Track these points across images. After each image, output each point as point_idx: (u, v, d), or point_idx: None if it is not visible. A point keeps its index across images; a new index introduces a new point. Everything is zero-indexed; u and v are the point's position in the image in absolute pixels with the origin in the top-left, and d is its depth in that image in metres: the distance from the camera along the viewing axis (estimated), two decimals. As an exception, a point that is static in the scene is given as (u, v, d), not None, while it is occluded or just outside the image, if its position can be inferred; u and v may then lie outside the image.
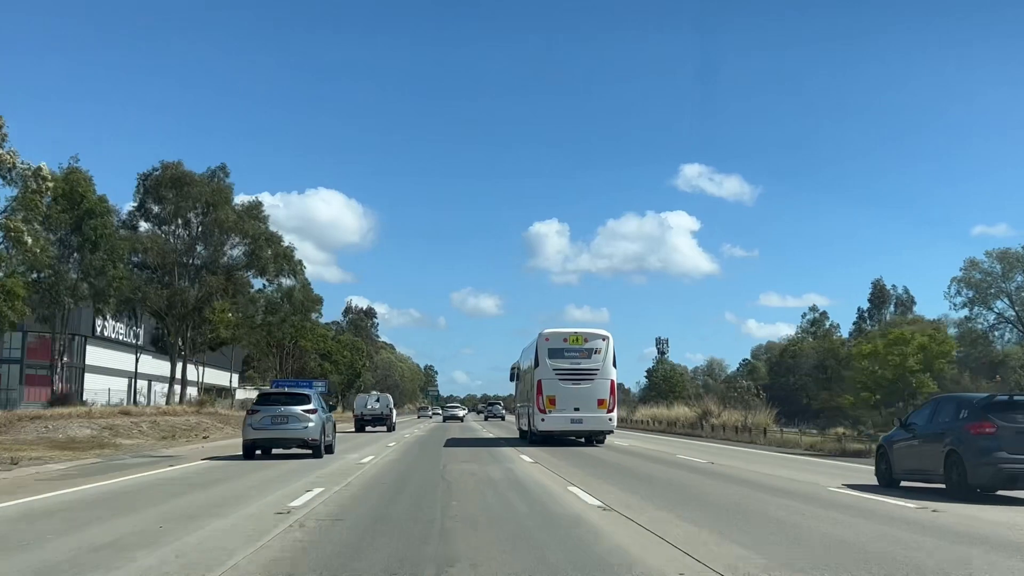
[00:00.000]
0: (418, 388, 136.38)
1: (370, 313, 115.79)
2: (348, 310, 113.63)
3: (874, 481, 12.05)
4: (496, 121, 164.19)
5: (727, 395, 44.55)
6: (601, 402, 22.26)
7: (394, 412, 39.26)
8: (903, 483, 11.50)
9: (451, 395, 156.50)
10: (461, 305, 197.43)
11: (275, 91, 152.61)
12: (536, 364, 22.83)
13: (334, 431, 19.48)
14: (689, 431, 36.92)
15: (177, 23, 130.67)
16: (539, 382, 22.42)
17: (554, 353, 22.57)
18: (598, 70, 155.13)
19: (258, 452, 17.28)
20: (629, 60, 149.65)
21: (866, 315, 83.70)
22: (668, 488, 11.49)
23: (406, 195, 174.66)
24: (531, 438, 23.40)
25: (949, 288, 54.99)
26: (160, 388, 48.25)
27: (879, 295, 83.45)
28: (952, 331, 53.89)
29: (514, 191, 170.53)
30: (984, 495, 10.23)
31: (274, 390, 22.30)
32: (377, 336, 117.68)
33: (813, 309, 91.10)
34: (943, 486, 10.49)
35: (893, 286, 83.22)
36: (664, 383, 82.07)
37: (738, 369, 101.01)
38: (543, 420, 22.28)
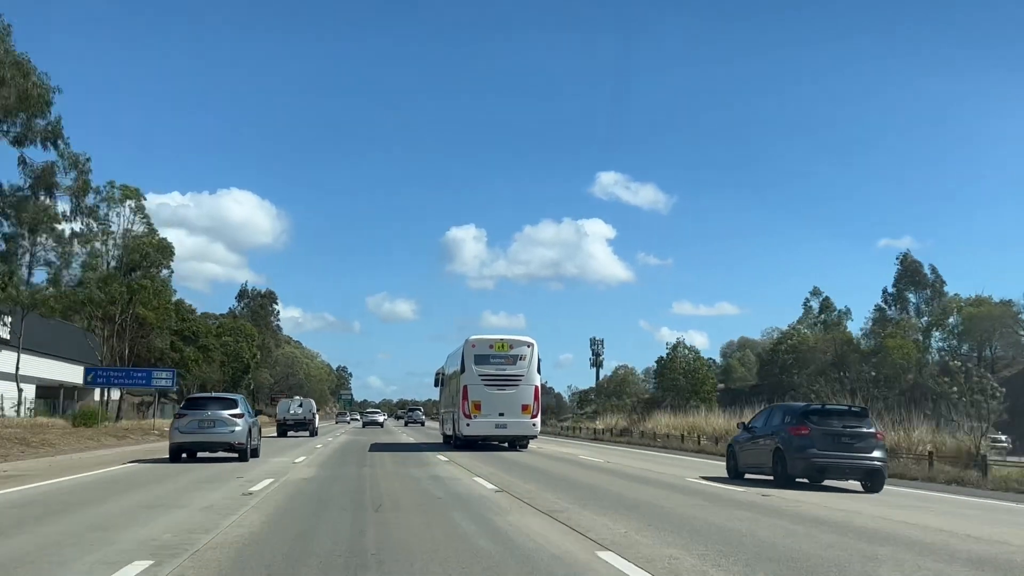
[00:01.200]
0: (328, 390, 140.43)
1: (270, 297, 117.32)
2: (243, 294, 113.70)
3: (726, 475, 18.01)
4: (414, 125, 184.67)
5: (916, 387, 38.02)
6: (525, 407, 27.96)
7: (316, 417, 47.38)
8: (747, 475, 17.48)
9: (365, 400, 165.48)
10: (377, 309, 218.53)
11: (185, 89, 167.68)
12: (462, 370, 28.37)
13: (260, 435, 24.63)
14: None
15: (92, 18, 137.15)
16: (465, 387, 27.94)
17: (480, 359, 28.15)
18: (515, 76, 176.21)
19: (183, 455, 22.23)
20: (547, 67, 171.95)
21: (891, 299, 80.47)
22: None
23: (321, 197, 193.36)
24: (455, 443, 29.01)
25: None
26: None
27: (910, 272, 79.31)
28: None
29: (431, 196, 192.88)
30: (801, 483, 16.16)
31: (200, 394, 27.15)
32: (279, 327, 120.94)
33: (815, 293, 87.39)
34: (772, 477, 16.42)
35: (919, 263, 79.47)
36: (684, 378, 73.04)
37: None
38: (468, 425, 27.85)
